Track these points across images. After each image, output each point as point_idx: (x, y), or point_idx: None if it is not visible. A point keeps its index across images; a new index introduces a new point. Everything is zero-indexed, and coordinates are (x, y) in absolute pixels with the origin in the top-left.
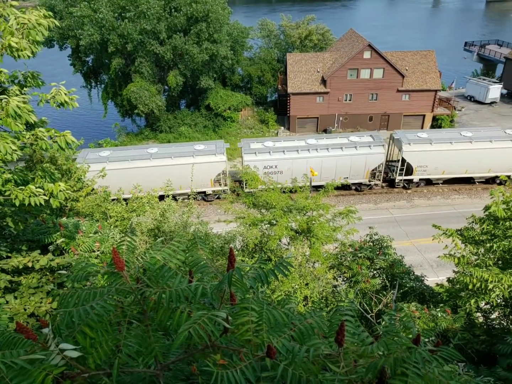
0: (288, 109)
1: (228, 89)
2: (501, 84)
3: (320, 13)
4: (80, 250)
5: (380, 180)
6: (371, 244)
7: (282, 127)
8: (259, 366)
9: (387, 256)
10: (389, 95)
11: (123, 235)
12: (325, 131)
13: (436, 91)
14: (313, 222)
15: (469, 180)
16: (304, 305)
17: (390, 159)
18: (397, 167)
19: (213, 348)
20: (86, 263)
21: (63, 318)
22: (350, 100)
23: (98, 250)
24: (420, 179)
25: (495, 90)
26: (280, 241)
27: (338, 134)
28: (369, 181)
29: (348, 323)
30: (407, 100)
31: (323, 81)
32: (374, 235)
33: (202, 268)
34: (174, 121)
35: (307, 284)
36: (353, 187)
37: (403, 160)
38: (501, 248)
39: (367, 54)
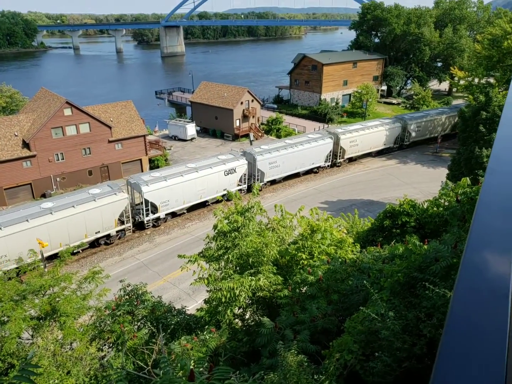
0: None
1: None
2: (194, 122)
3: (4, 74)
4: None
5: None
6: (127, 297)
7: None
8: None
9: (146, 303)
10: (102, 147)
11: None
12: (44, 195)
13: (144, 136)
14: (57, 299)
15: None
16: None
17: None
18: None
19: None
20: None
21: None
22: (62, 159)
23: None
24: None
25: (191, 128)
26: (20, 337)
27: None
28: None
29: None
30: (121, 149)
31: (26, 145)
32: (127, 286)
33: None
34: None
35: (68, 372)
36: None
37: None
38: (235, 257)
39: (67, 111)
